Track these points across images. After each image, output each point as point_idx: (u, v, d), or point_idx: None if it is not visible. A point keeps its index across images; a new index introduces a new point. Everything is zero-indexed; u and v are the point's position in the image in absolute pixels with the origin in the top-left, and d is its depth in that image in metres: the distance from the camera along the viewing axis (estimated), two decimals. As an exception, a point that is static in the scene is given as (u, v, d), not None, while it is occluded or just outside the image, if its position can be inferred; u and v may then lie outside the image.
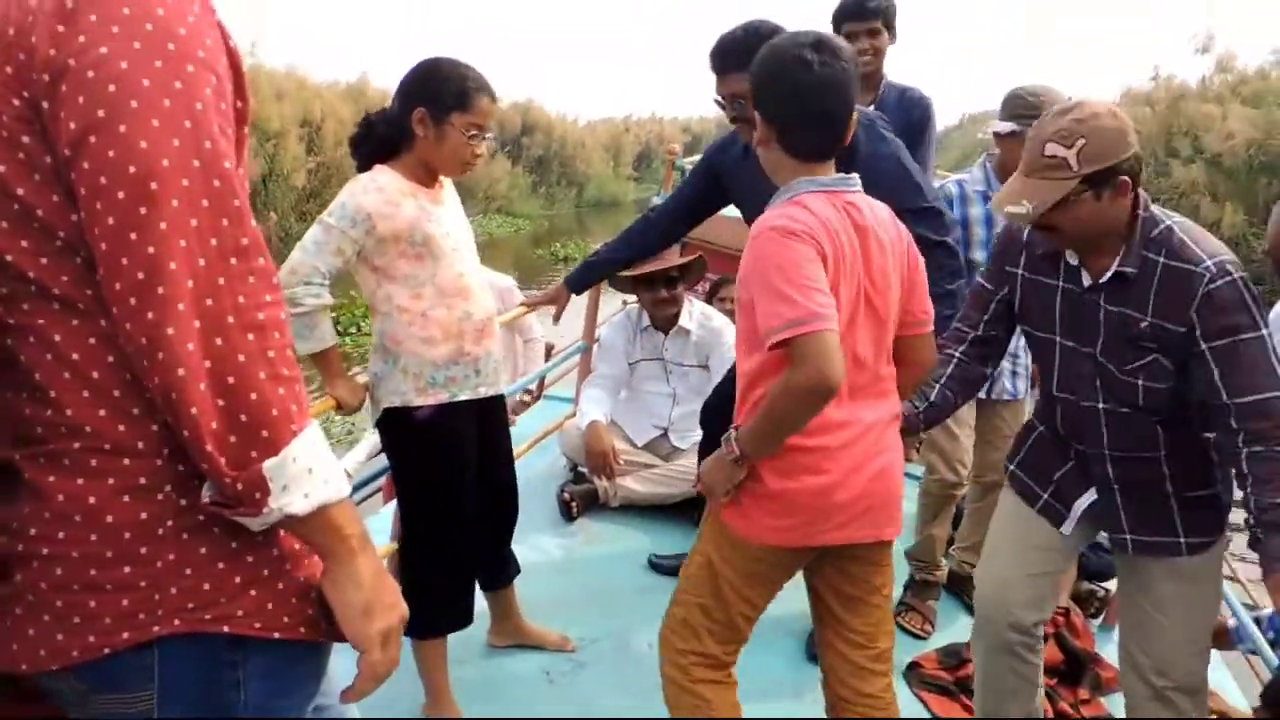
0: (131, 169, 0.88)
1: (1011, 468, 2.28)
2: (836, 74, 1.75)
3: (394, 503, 2.82)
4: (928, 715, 2.68)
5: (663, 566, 3.27)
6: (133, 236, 0.89)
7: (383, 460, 2.56)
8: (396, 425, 2.30)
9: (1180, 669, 2.02)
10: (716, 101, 2.42)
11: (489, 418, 2.45)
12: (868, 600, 1.97)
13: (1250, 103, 18.74)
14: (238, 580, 1.02)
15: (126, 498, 0.97)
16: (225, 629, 1.01)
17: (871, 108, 3.12)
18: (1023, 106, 2.80)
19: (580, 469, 3.75)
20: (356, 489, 2.89)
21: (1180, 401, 1.91)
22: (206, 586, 1.00)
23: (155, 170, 0.89)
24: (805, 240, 1.69)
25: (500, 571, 2.68)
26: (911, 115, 3.26)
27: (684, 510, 3.59)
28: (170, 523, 0.99)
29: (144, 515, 0.98)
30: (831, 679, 2.02)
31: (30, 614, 0.98)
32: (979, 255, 2.99)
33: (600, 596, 3.09)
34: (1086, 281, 1.95)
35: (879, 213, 1.86)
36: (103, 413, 0.96)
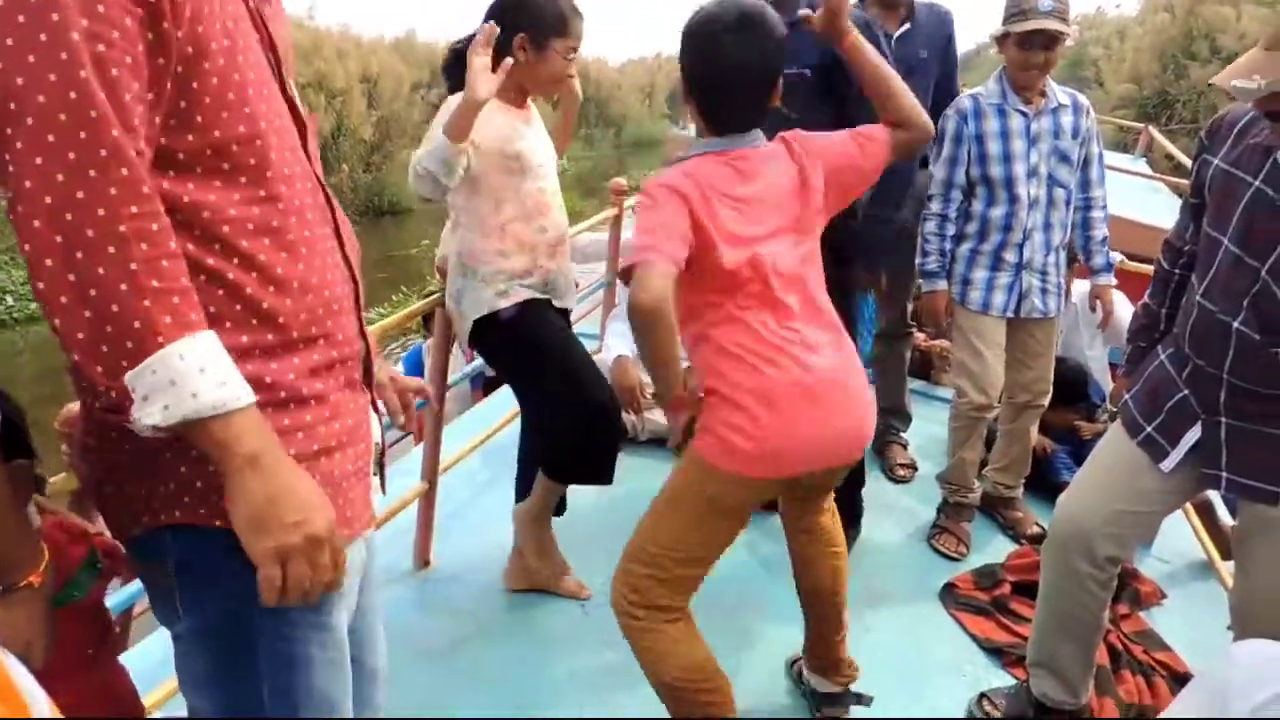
0: None
1: (1125, 396, 2.16)
2: (748, 55, 1.81)
3: (423, 444, 2.84)
4: (964, 635, 2.67)
5: None
6: (6, 156, 0.91)
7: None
8: (489, 331, 2.38)
9: (1254, 629, 1.87)
10: None
11: (565, 320, 2.55)
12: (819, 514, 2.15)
13: (1264, 3, 18.94)
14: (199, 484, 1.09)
15: (113, 416, 1.05)
16: (217, 523, 1.07)
17: (906, 26, 3.27)
18: (1010, 6, 2.80)
19: (608, 404, 3.75)
20: (387, 428, 2.90)
21: None
22: (200, 483, 1.09)
23: (11, 89, 0.89)
24: (666, 193, 1.79)
25: (608, 469, 2.65)
26: (945, 28, 3.39)
27: (714, 442, 3.57)
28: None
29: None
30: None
31: (102, 497, 1.15)
32: (996, 171, 2.91)
33: (630, 530, 3.09)
34: None
35: (766, 154, 1.89)
36: None
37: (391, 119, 18.80)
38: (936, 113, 3.24)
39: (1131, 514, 2.05)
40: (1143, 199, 5.82)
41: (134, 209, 0.93)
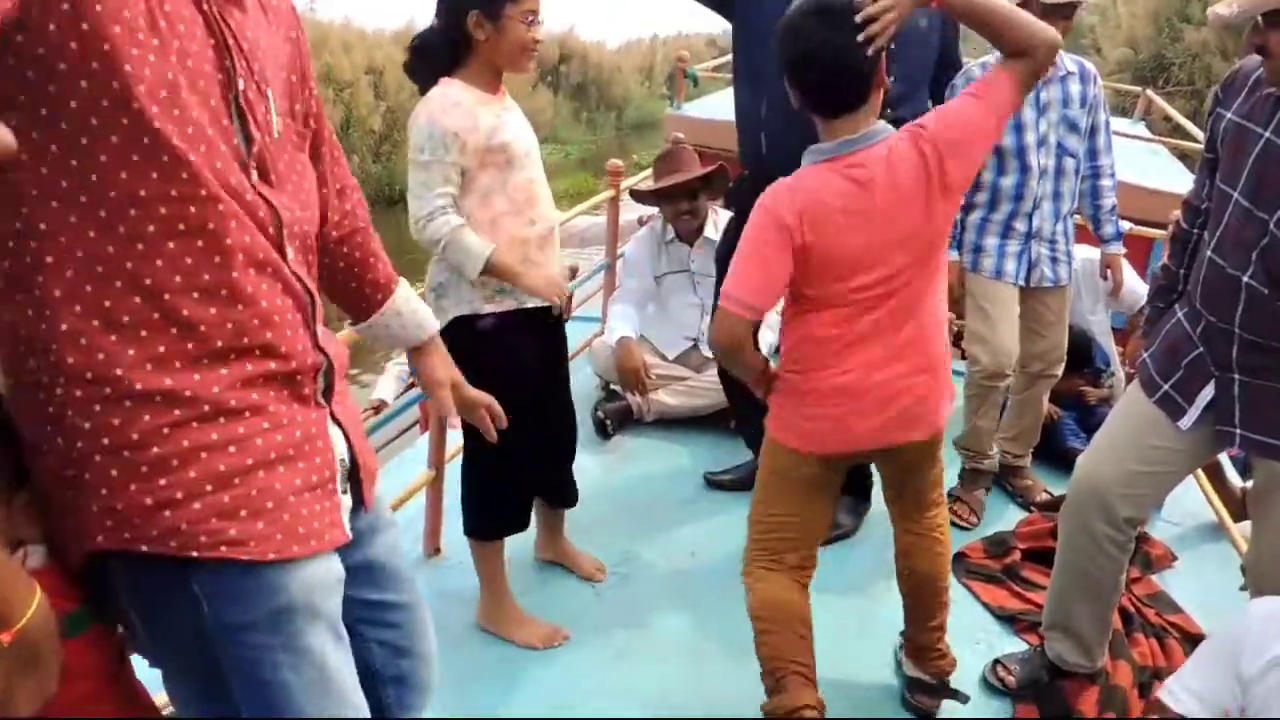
0: None
1: (1143, 355, 2.13)
2: (822, 44, 1.78)
3: (429, 432, 2.84)
4: (976, 604, 2.67)
5: (720, 482, 3.26)
6: None
7: (418, 390, 2.56)
8: (465, 333, 2.27)
9: (1270, 586, 1.86)
10: None
11: (553, 328, 2.46)
12: (923, 493, 2.17)
13: None
14: (148, 501, 1.04)
15: (49, 426, 1.03)
16: (143, 548, 1.04)
17: None
18: None
19: (613, 386, 3.74)
20: (393, 416, 2.91)
21: None
22: (120, 505, 1.03)
23: None
24: (769, 223, 1.83)
25: (565, 493, 2.70)
26: None
27: (719, 420, 3.57)
28: (80, 445, 1.02)
29: (60, 441, 1.02)
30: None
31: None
32: (1007, 140, 2.88)
33: (641, 511, 3.10)
34: None
35: (888, 159, 1.82)
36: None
37: (398, 109, 18.87)
38: (939, 83, 3.21)
39: (1150, 474, 2.04)
40: (1144, 163, 5.79)
41: None
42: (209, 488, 1.05)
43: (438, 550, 2.81)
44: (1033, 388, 3.10)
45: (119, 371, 1.01)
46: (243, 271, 1.07)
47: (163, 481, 1.03)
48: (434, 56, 2.23)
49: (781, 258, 1.82)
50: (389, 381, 5.66)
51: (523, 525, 2.53)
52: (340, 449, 1.23)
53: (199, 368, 1.05)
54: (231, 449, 1.07)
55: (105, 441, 1.02)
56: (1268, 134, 1.79)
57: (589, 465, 3.37)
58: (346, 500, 1.24)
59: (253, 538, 1.07)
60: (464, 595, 2.59)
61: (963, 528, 3.02)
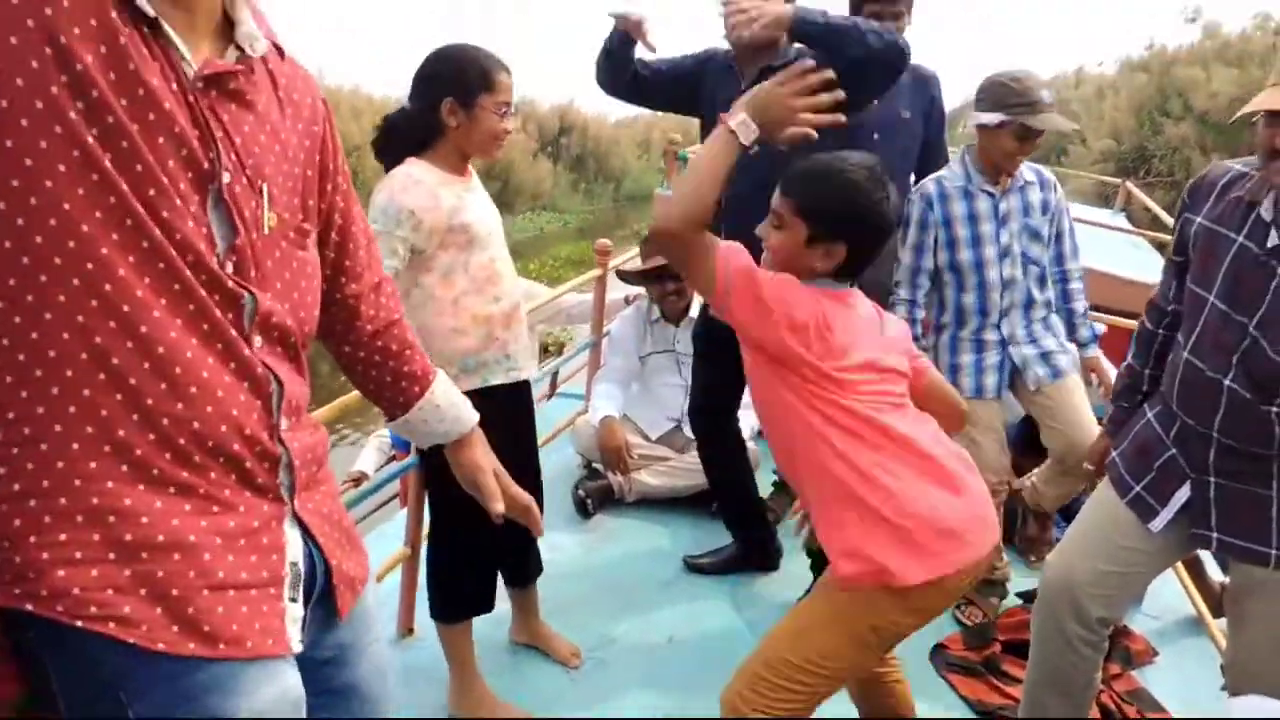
0: None
1: (1113, 454, 2.14)
2: (888, 213, 1.81)
3: (408, 508, 2.81)
4: (956, 697, 2.64)
5: (699, 565, 3.22)
6: None
7: (400, 464, 2.53)
8: None
9: (1249, 686, 1.85)
10: (720, 13, 2.60)
11: (518, 405, 2.44)
12: None
13: (1233, 64, 20.29)
14: (45, 556, 0.97)
15: None
16: (28, 606, 0.97)
17: None
18: (1010, 95, 2.68)
19: (595, 465, 3.73)
20: (373, 491, 2.89)
21: None
22: (18, 558, 0.97)
23: None
24: (797, 289, 1.77)
25: (525, 570, 2.66)
26: (933, 94, 3.33)
27: (701, 502, 3.56)
28: None
29: None
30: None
31: None
32: (965, 255, 2.86)
33: (620, 593, 3.07)
34: (1272, 242, 1.77)
35: (864, 303, 1.90)
36: None
37: None
38: (924, 174, 3.27)
39: (1120, 575, 2.03)
40: (1124, 254, 5.88)
41: None
42: (111, 555, 0.98)
43: (411, 630, 2.77)
44: (1072, 473, 3.00)
45: (40, 410, 0.96)
46: (194, 348, 1.02)
47: (63, 537, 0.96)
48: (403, 137, 2.26)
49: (811, 304, 1.76)
50: (370, 453, 5.62)
51: (488, 606, 2.49)
52: (296, 551, 1.14)
53: (127, 423, 0.99)
54: (144, 520, 0.99)
55: (15, 487, 0.96)
56: (1240, 238, 1.82)
57: (568, 544, 3.35)
58: (295, 609, 1.12)
59: (146, 622, 0.98)
60: (436, 676, 2.54)
61: (963, 623, 2.99)
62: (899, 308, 2.94)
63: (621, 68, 2.94)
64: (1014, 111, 2.67)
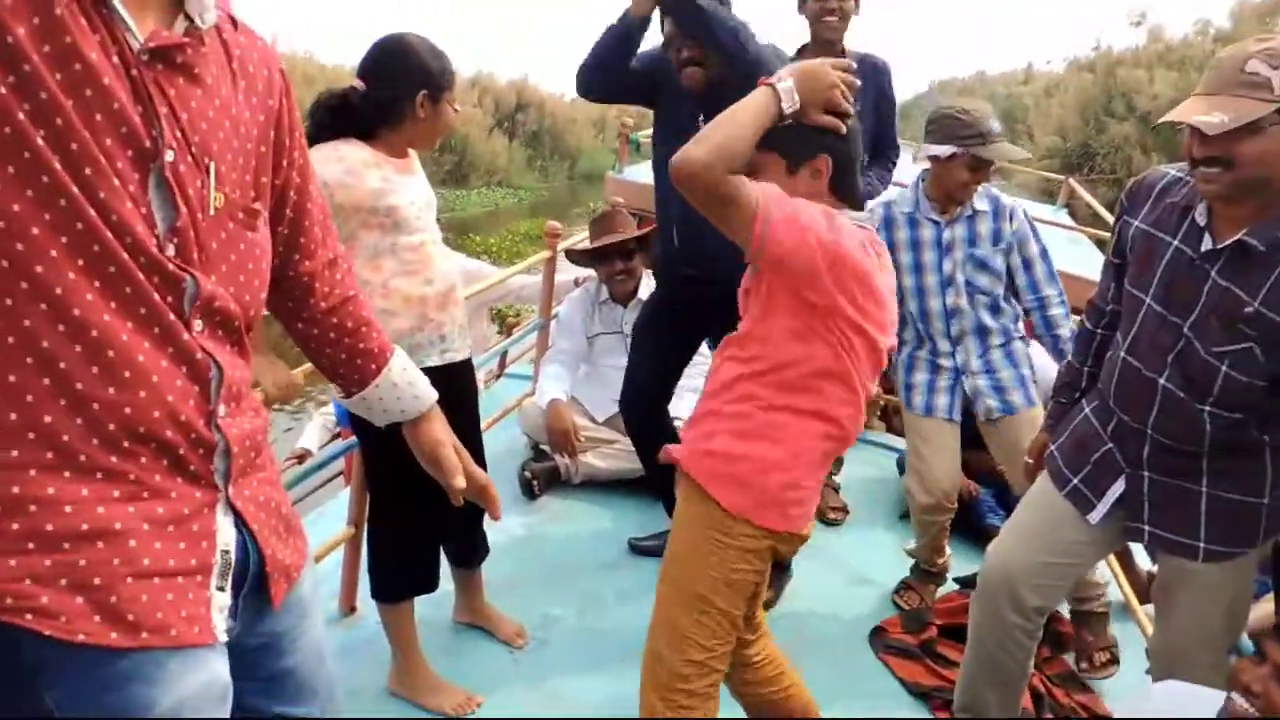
0: None
1: (1051, 448, 2.18)
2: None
3: (351, 487, 2.79)
4: (893, 679, 2.69)
5: (644, 548, 3.24)
6: None
7: (345, 442, 2.51)
8: None
9: (1172, 672, 1.90)
10: (666, 46, 2.67)
11: (458, 383, 2.42)
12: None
13: (1174, 68, 21.31)
14: None
15: None
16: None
17: None
18: (961, 127, 2.67)
19: (541, 446, 3.73)
20: (317, 469, 2.86)
21: (1252, 400, 1.79)
22: None
23: None
24: (833, 221, 1.73)
25: (471, 552, 2.66)
26: (882, 84, 3.33)
27: (646, 485, 3.56)
28: None
29: None
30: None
31: None
32: (907, 281, 2.86)
33: (564, 574, 3.08)
34: (1205, 246, 1.80)
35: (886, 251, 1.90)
36: None
37: None
38: (873, 164, 3.29)
39: (1059, 565, 2.09)
40: (1065, 250, 6.00)
41: None
42: (30, 545, 0.95)
43: (353, 609, 2.75)
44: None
45: None
46: (129, 332, 1.00)
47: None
48: (348, 118, 2.23)
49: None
50: (314, 430, 5.56)
51: (432, 585, 2.49)
52: (227, 539, 1.11)
53: (54, 409, 0.96)
54: (67, 509, 0.96)
55: None
56: (1176, 242, 1.86)
57: (513, 525, 3.34)
58: (223, 598, 1.10)
59: (65, 612, 0.96)
60: (378, 656, 2.53)
61: (901, 607, 3.04)
62: None
63: (626, 59, 2.80)
64: (965, 143, 2.67)
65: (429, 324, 2.29)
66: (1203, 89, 1.73)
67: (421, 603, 2.48)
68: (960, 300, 2.84)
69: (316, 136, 2.22)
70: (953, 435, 2.94)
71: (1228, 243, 1.76)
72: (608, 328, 3.85)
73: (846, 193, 1.85)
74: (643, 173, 6.43)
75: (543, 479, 3.60)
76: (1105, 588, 2.84)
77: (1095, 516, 2.03)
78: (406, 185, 2.27)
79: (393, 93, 2.22)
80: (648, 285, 3.77)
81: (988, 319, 2.87)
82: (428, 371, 2.25)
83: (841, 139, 1.82)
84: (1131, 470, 1.98)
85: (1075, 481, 2.07)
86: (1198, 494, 1.91)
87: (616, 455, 3.64)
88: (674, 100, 2.76)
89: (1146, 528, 1.97)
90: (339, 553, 2.72)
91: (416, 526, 2.38)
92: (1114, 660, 2.76)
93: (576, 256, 3.96)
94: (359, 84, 2.24)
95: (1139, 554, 3.33)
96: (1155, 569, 3.01)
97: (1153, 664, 2.10)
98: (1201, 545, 1.91)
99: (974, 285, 2.84)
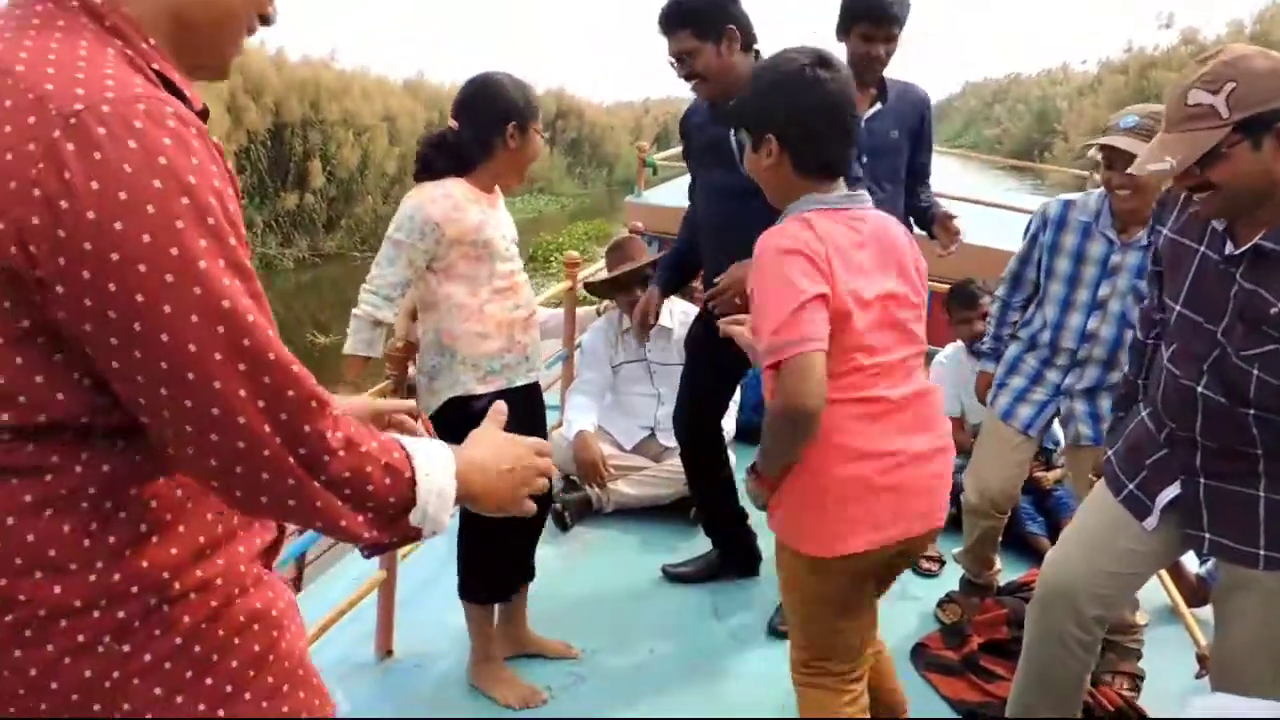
0: None
1: (1109, 453, 2.14)
2: (844, 89, 1.80)
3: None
4: (937, 698, 2.65)
5: (678, 574, 3.22)
6: None
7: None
8: (458, 414, 2.40)
9: (1232, 683, 1.86)
10: (669, 63, 2.70)
11: (536, 401, 2.65)
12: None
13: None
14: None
15: None
16: None
17: (877, 106, 3.13)
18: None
19: (571, 477, 3.73)
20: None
21: None
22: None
23: None
24: (799, 256, 1.72)
25: (525, 569, 2.73)
26: (919, 109, 3.27)
27: (678, 510, 3.57)
28: None
29: None
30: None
31: None
32: (1056, 289, 2.69)
33: (599, 605, 3.07)
34: (1228, 250, 1.77)
35: (879, 223, 1.88)
36: None
37: (409, 154, 20.30)
38: (909, 192, 3.26)
39: (1119, 575, 2.04)
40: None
41: None
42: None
43: (390, 652, 2.76)
44: None
45: None
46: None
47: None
48: (450, 156, 2.43)
49: (816, 281, 1.70)
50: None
51: (511, 592, 2.68)
52: None
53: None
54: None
55: None
56: (1202, 249, 1.84)
57: (547, 557, 3.32)
58: None
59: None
60: (419, 695, 2.54)
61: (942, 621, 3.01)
62: (995, 304, 2.92)
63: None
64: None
65: (516, 345, 2.49)
66: (1163, 126, 1.74)
67: (455, 646, 2.47)
68: (1102, 328, 2.65)
69: (420, 176, 2.45)
70: (1019, 449, 2.83)
71: (1247, 247, 1.74)
72: (631, 356, 3.85)
73: (816, 170, 1.82)
74: (662, 195, 6.45)
75: (574, 510, 3.60)
76: (1143, 630, 2.76)
77: (1151, 523, 1.97)
78: (497, 220, 2.48)
79: (485, 127, 2.41)
80: (668, 311, 3.77)
81: (1121, 354, 2.60)
82: (514, 391, 2.48)
83: (791, 120, 1.78)
84: (1187, 476, 1.93)
85: (1131, 487, 2.02)
86: (1255, 499, 1.86)
87: (646, 481, 3.63)
88: (696, 128, 2.91)
89: (1206, 535, 1.91)
90: (373, 596, 2.73)
91: (504, 532, 2.43)
92: (1134, 690, 2.67)
93: (595, 288, 3.97)
94: (453, 124, 2.45)
95: (1187, 557, 3.26)
96: (1202, 570, 2.95)
97: (1211, 675, 2.05)
98: (1262, 553, 1.85)
99: (1127, 318, 2.59)
